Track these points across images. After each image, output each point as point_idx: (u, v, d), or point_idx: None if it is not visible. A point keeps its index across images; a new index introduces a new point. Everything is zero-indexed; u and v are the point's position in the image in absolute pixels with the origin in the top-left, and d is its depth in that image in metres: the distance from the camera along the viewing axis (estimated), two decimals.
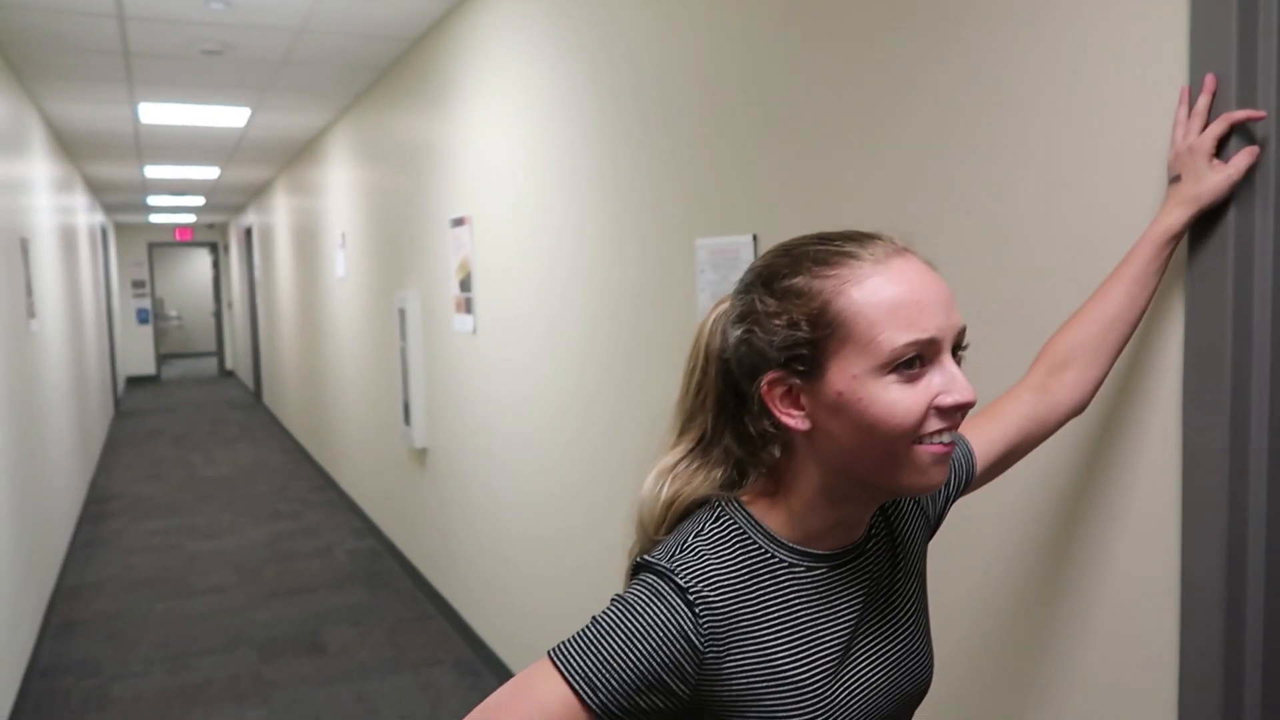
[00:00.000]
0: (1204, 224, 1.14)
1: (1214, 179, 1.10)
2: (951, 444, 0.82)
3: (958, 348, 0.83)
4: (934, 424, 0.80)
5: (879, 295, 0.79)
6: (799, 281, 0.82)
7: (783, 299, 0.83)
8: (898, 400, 0.79)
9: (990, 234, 1.42)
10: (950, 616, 1.54)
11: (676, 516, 0.91)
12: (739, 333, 0.86)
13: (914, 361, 0.79)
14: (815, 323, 0.81)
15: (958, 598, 1.53)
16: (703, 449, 0.92)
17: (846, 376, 0.80)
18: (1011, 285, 1.40)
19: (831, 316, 0.80)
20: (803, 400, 0.84)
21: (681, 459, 0.92)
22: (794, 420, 0.84)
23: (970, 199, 1.45)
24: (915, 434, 0.80)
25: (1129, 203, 1.23)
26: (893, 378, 0.79)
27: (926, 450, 0.81)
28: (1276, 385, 1.11)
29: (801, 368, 0.82)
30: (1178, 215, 1.13)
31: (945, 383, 0.80)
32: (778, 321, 0.83)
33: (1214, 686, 1.15)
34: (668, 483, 0.92)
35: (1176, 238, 1.14)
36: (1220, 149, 1.12)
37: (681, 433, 0.93)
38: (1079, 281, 1.29)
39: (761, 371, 0.85)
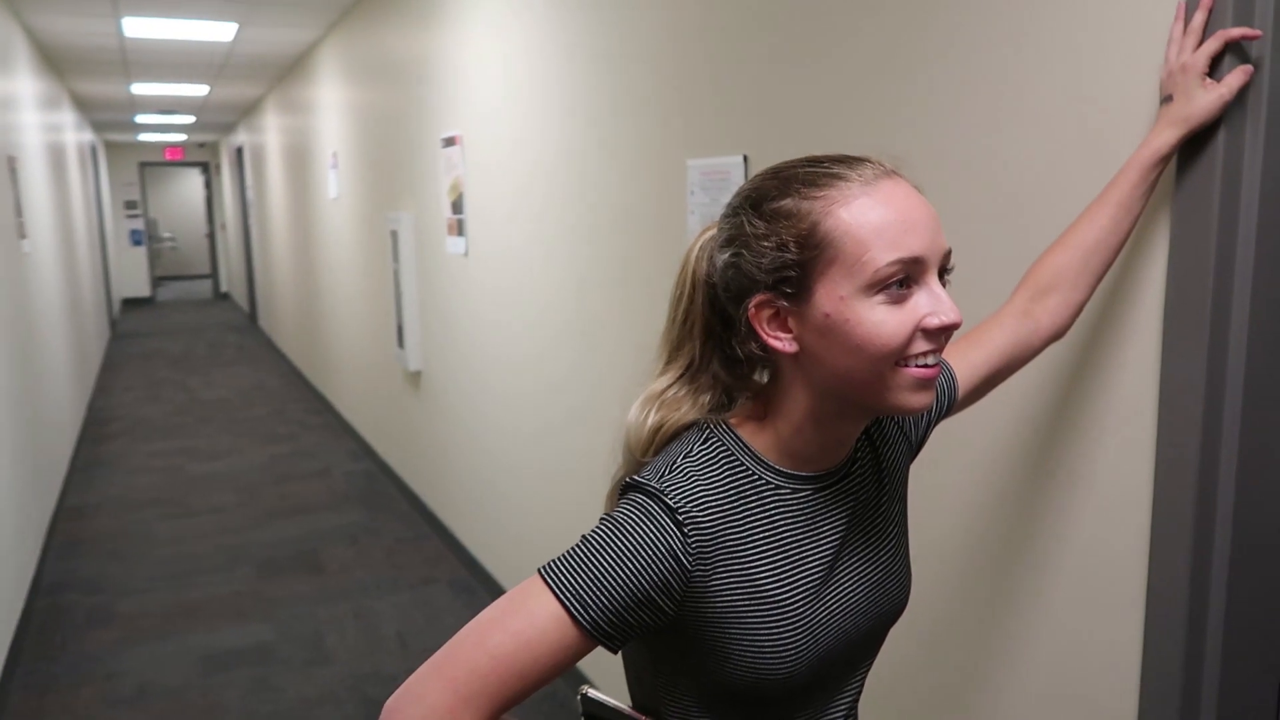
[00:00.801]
0: (1192, 146, 1.13)
1: (1206, 98, 1.08)
2: (937, 367, 0.82)
3: (944, 271, 0.84)
4: (920, 345, 0.81)
5: (866, 216, 0.80)
6: (787, 203, 0.82)
7: (771, 221, 0.83)
8: (884, 321, 0.80)
9: (979, 157, 1.40)
10: (925, 535, 1.57)
11: (664, 441, 0.92)
12: (726, 256, 0.86)
13: (901, 282, 0.80)
14: (803, 244, 0.81)
15: (933, 517, 1.56)
16: (690, 375, 0.92)
17: (834, 298, 0.81)
18: (998, 208, 1.38)
19: (819, 238, 0.81)
20: (790, 323, 0.84)
21: (669, 386, 0.93)
22: (781, 343, 0.85)
23: (961, 122, 1.43)
24: (901, 355, 0.81)
25: (1120, 123, 1.21)
26: (879, 298, 0.80)
27: (911, 373, 0.81)
28: (1257, 313, 1.11)
29: (789, 290, 0.83)
30: (1167, 136, 1.11)
31: (931, 304, 0.81)
32: (766, 244, 0.83)
33: (1180, 598, 1.18)
34: (655, 409, 0.92)
35: (1165, 160, 1.13)
36: (1213, 68, 1.10)
37: (669, 360, 0.94)
38: (1066, 204, 1.28)
39: (749, 294, 0.85)
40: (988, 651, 1.49)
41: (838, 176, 0.82)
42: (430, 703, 0.79)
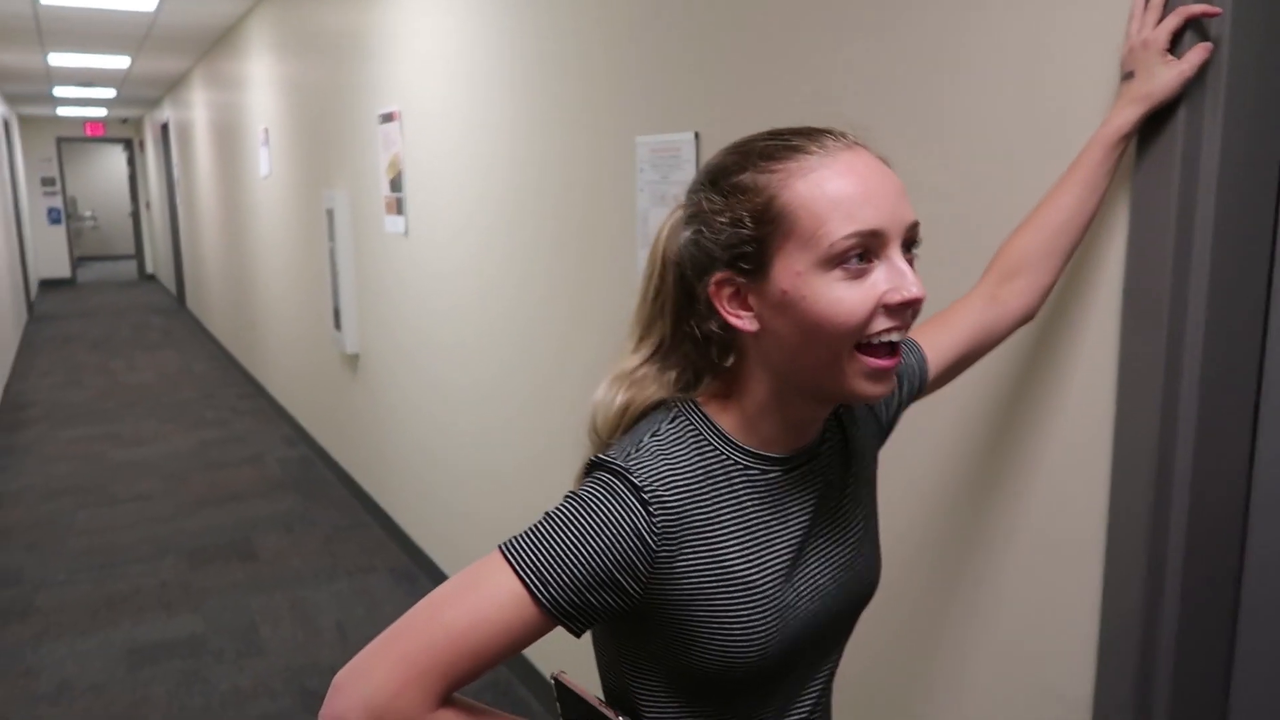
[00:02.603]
0: (1153, 124, 1.12)
1: (1166, 75, 1.08)
2: (895, 358, 0.80)
3: (911, 245, 0.81)
4: (881, 323, 0.78)
5: (823, 188, 0.77)
6: (745, 178, 0.80)
7: (728, 196, 0.81)
8: (842, 298, 0.77)
9: (939, 134, 1.39)
10: (889, 518, 1.56)
11: (632, 420, 0.90)
12: (688, 234, 0.85)
13: (860, 256, 0.77)
14: (759, 219, 0.79)
15: (897, 498, 1.55)
16: (661, 355, 0.90)
17: (790, 274, 0.78)
18: (957, 184, 1.37)
19: (775, 212, 0.78)
20: (750, 301, 0.82)
21: (639, 365, 0.90)
22: (741, 321, 0.83)
23: (921, 98, 1.41)
24: (861, 333, 0.78)
25: (1081, 100, 1.20)
26: (837, 274, 0.77)
27: (870, 362, 0.79)
28: (1215, 291, 1.11)
29: (746, 266, 0.81)
30: (1128, 114, 1.10)
31: (893, 278, 0.78)
32: (722, 220, 0.81)
33: (1137, 578, 1.18)
34: (624, 388, 0.90)
35: (1127, 138, 1.12)
36: (1174, 45, 1.09)
37: (640, 339, 0.91)
38: (1026, 181, 1.27)
39: (709, 272, 0.83)
40: (949, 635, 1.48)
41: (796, 149, 0.79)
42: (380, 678, 0.76)
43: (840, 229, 0.76)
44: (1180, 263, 1.11)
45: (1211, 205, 1.09)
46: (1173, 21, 1.07)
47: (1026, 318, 1.17)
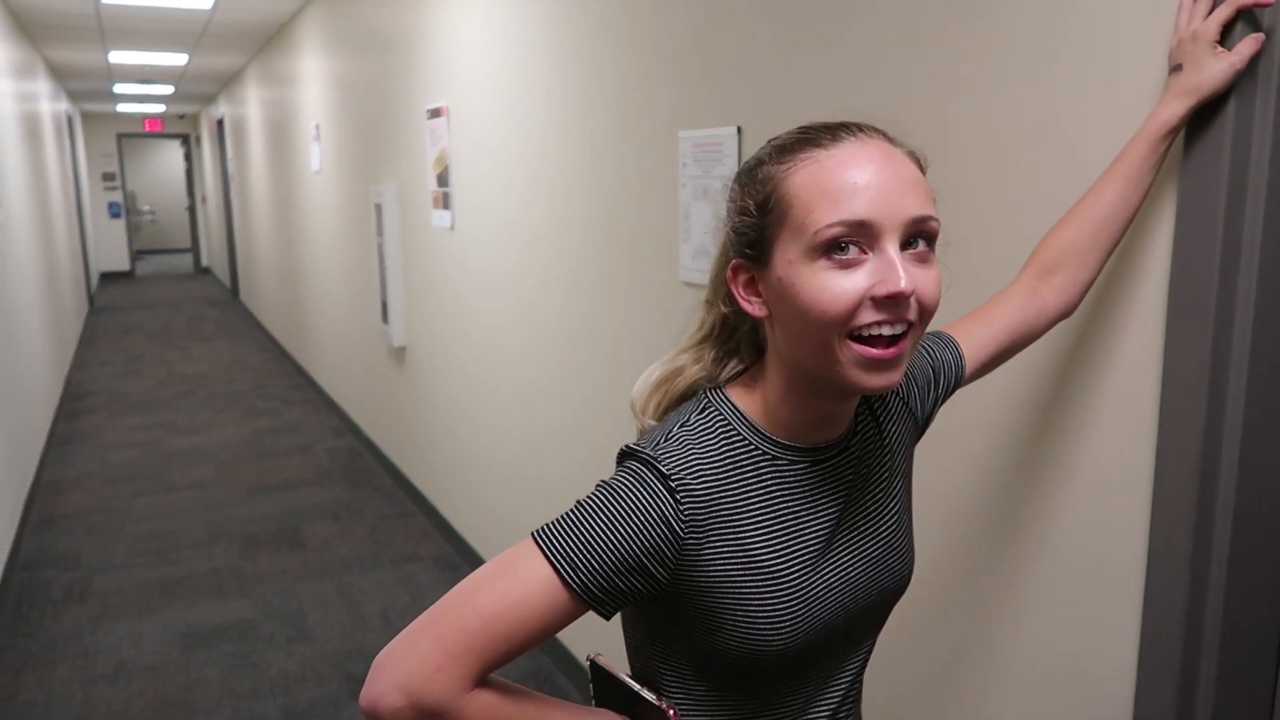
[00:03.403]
0: (1201, 117, 1.10)
1: (1216, 67, 1.05)
2: (891, 349, 0.78)
3: (919, 239, 0.79)
4: (868, 315, 0.77)
5: (816, 178, 0.79)
6: (762, 170, 0.84)
7: (745, 187, 0.85)
8: (825, 286, 0.78)
9: (983, 128, 1.37)
10: (922, 513, 1.55)
11: (673, 399, 0.94)
12: (725, 223, 0.89)
13: (846, 246, 0.77)
14: (762, 208, 0.82)
15: (934, 493, 1.54)
16: (713, 339, 0.94)
17: (785, 261, 0.81)
18: (1004, 180, 1.35)
19: (774, 201, 0.81)
20: (759, 287, 0.85)
21: (690, 346, 0.95)
22: (752, 306, 0.86)
23: (964, 91, 1.40)
24: (846, 324, 0.78)
25: (1127, 94, 1.18)
26: (824, 263, 0.78)
27: (859, 350, 0.78)
28: (1264, 291, 1.09)
29: (752, 253, 0.84)
30: (1176, 107, 1.08)
31: (880, 271, 0.77)
32: (738, 209, 0.85)
33: (1180, 583, 1.17)
34: (669, 365, 0.94)
35: (1174, 132, 1.10)
36: (1224, 37, 1.07)
37: (701, 321, 0.95)
38: (1071, 177, 1.25)
39: (730, 259, 0.87)
40: (986, 630, 1.47)
41: (809, 142, 0.81)
42: (418, 657, 0.79)
43: (824, 218, 0.77)
44: (1228, 261, 1.09)
45: (1262, 201, 1.07)
46: (1223, 13, 1.05)
47: (1066, 313, 1.16)
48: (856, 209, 0.76)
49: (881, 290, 0.76)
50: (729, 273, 0.87)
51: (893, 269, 0.76)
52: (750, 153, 0.90)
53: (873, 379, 0.79)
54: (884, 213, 0.77)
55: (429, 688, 0.79)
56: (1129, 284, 1.22)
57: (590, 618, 0.84)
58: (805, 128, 0.84)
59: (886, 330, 0.78)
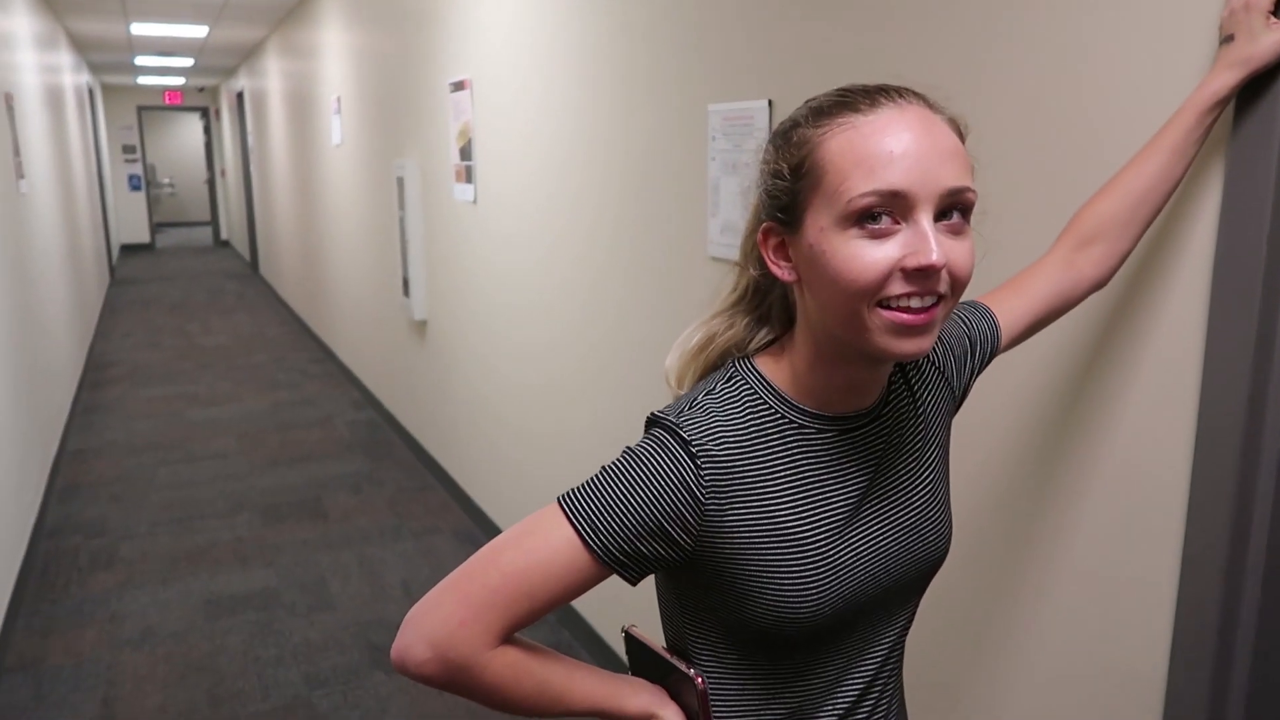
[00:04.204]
0: (1252, 90, 1.08)
1: (1270, 39, 1.03)
2: (922, 314, 0.77)
3: (954, 210, 0.78)
4: (898, 286, 0.76)
5: (852, 144, 0.77)
6: (799, 132, 0.82)
7: (779, 149, 0.84)
8: (856, 255, 0.76)
9: (1021, 97, 1.35)
10: (962, 488, 1.55)
11: (709, 363, 0.94)
12: (757, 185, 0.88)
13: (879, 216, 0.76)
14: (796, 172, 0.81)
15: (970, 469, 1.53)
16: (746, 302, 0.94)
17: (816, 228, 0.79)
18: (1042, 152, 1.34)
19: (809, 166, 0.80)
20: (790, 252, 0.84)
21: (723, 310, 0.94)
22: (781, 270, 0.85)
23: (1000, 60, 1.37)
24: (875, 294, 0.77)
25: (1176, 64, 1.16)
26: (855, 232, 0.77)
27: (889, 316, 0.77)
28: None
29: (783, 217, 0.83)
30: (1226, 79, 1.06)
31: (913, 243, 0.76)
32: (771, 171, 0.84)
33: (1217, 562, 1.16)
34: (704, 330, 0.94)
35: (1222, 104, 1.08)
36: (1278, 8, 1.05)
37: (735, 285, 0.95)
38: (1113, 149, 1.23)
39: (761, 221, 0.86)
40: (1018, 609, 1.47)
41: (847, 106, 0.79)
42: (445, 613, 0.83)
43: (859, 186, 0.75)
44: (1276, 238, 1.07)
45: None
46: None
47: (1100, 285, 1.15)
48: (891, 179, 0.75)
49: (912, 262, 0.75)
50: (759, 236, 0.86)
51: (925, 241, 0.75)
52: None
53: (902, 344, 0.78)
54: (919, 183, 0.75)
55: (454, 642, 0.82)
56: (1171, 259, 1.20)
57: (622, 591, 0.85)
58: (844, 90, 0.82)
59: (915, 302, 0.77)
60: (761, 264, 0.88)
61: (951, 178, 0.77)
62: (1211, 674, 1.18)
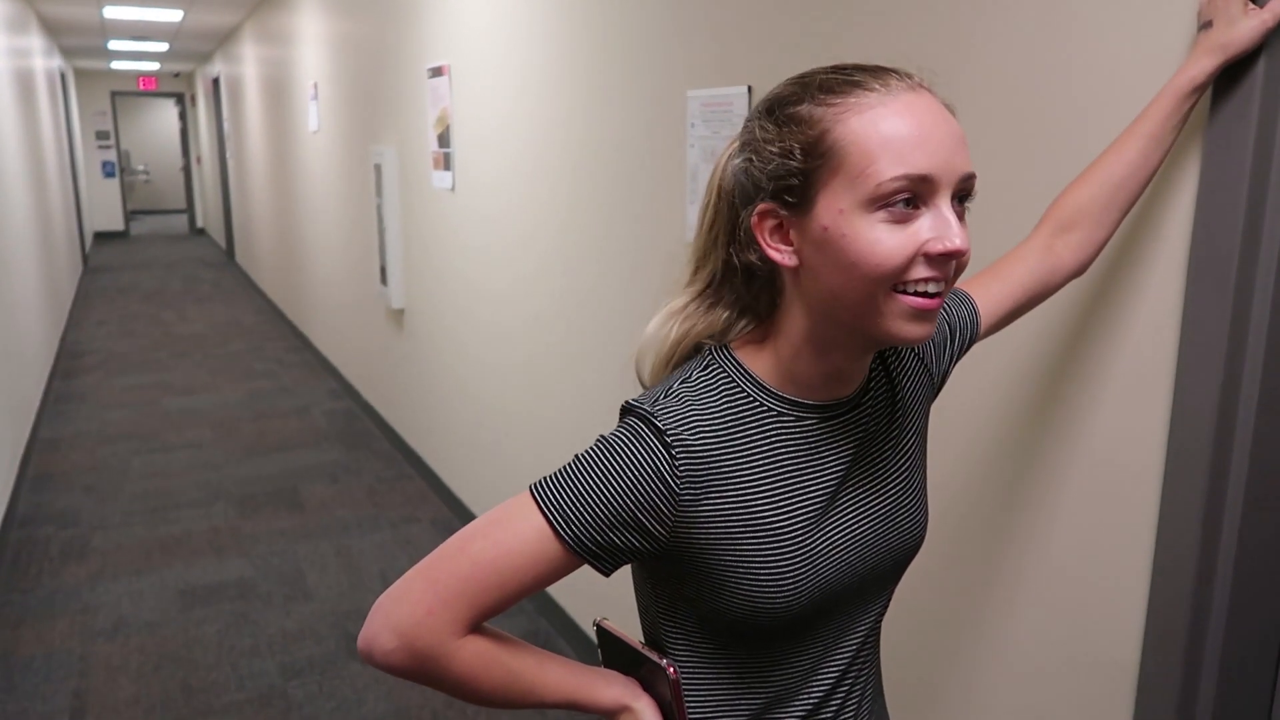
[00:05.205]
0: (1229, 76, 1.08)
1: (1247, 25, 1.03)
2: (937, 298, 0.77)
3: (963, 196, 0.78)
4: (920, 271, 0.76)
5: (878, 126, 0.75)
6: (802, 109, 0.79)
7: (782, 126, 0.80)
8: (881, 239, 0.75)
9: (1000, 84, 1.35)
10: (939, 477, 1.55)
11: (684, 355, 0.91)
12: (739, 162, 0.84)
13: (907, 201, 0.75)
14: (809, 151, 0.77)
15: (947, 457, 1.53)
16: (713, 291, 0.90)
17: (833, 210, 0.77)
18: (1021, 137, 1.33)
19: (827, 146, 0.77)
20: (791, 235, 0.81)
21: (691, 300, 0.91)
22: (780, 255, 0.82)
23: (982, 47, 1.37)
24: (897, 279, 0.76)
25: (1153, 50, 1.16)
26: (880, 215, 0.75)
27: (908, 300, 0.77)
28: None
29: (790, 199, 0.79)
30: (1204, 64, 1.06)
31: (937, 228, 0.75)
32: (772, 149, 0.80)
33: (1191, 546, 1.16)
34: (677, 323, 0.90)
35: (1200, 89, 1.08)
36: None
37: (695, 272, 0.91)
38: (1092, 134, 1.23)
39: (754, 202, 0.82)
40: (994, 595, 1.47)
41: (858, 84, 0.77)
42: (413, 601, 0.81)
43: (888, 170, 0.74)
44: (1251, 224, 1.08)
45: None
46: None
47: (1079, 271, 1.15)
48: (923, 164, 0.74)
49: (938, 248, 0.75)
50: (754, 218, 0.82)
51: (949, 227, 0.75)
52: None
53: (914, 329, 0.78)
54: (943, 168, 0.75)
55: (420, 631, 0.81)
56: (1148, 245, 1.20)
57: (600, 581, 0.84)
58: (842, 67, 0.80)
59: (933, 288, 0.77)
60: (750, 248, 0.84)
61: (964, 163, 0.77)
62: (1183, 660, 1.18)
